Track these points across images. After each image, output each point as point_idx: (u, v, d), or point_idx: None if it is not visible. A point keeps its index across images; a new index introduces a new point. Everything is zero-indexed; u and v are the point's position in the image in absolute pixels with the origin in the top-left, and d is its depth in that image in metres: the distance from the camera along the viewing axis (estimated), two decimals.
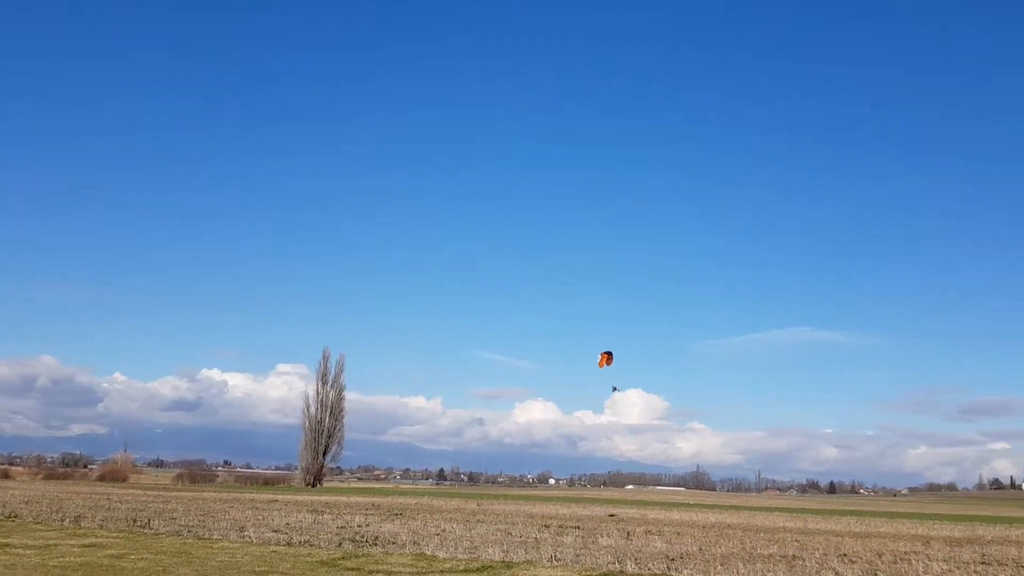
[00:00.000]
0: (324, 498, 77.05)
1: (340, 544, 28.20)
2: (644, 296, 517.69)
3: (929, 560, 29.20)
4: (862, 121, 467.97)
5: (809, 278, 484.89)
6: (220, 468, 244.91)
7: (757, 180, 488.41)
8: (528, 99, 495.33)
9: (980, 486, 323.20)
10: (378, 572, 21.72)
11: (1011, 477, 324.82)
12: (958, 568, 26.80)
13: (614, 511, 65.16)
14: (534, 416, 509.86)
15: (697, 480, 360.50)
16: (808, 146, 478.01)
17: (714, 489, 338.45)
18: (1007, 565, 28.48)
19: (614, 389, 48.66)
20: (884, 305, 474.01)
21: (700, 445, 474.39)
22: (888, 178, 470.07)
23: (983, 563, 28.98)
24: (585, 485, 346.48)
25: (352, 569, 22.15)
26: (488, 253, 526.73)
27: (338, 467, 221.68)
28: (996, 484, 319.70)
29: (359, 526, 37.52)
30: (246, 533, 30.87)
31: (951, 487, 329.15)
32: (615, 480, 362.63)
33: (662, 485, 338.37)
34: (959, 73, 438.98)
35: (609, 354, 46.77)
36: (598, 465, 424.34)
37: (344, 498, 79.06)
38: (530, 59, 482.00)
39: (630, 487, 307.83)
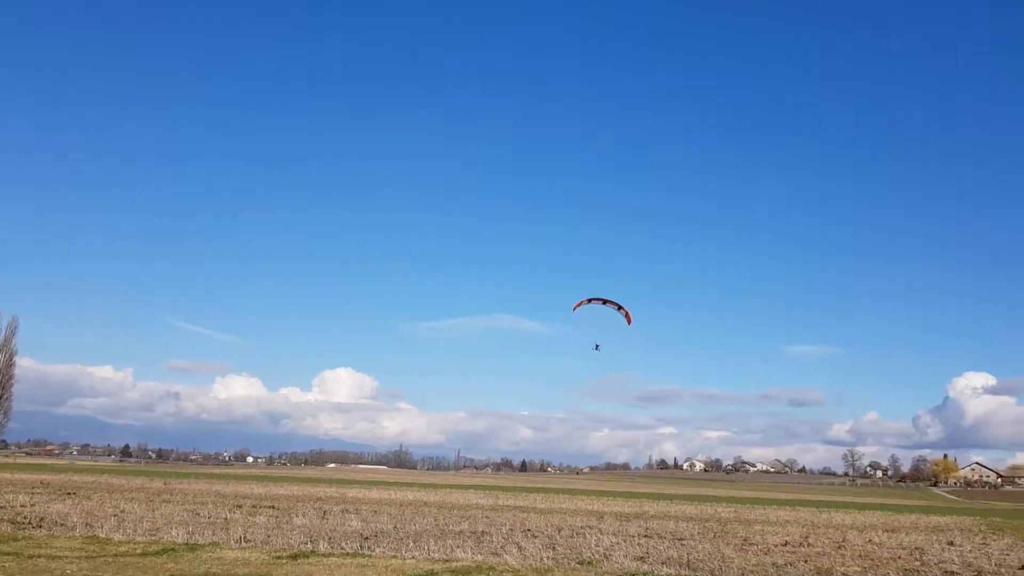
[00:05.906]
0: None
1: None
2: (357, 275, 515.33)
3: (601, 533, 31.97)
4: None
5: (516, 269, 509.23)
6: None
7: (487, 174, 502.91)
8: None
9: (649, 465, 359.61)
10: (40, 557, 19.66)
11: (675, 458, 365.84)
12: (625, 540, 29.59)
13: (312, 489, 64.49)
14: (236, 392, 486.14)
15: (399, 459, 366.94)
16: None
17: (415, 468, 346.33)
18: (665, 537, 31.95)
19: (596, 347, 49.38)
20: (575, 298, 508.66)
21: (405, 424, 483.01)
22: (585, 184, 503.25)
23: (645, 536, 32.27)
24: (285, 464, 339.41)
25: (9, 554, 19.87)
26: (191, 213, 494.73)
27: (3, 440, 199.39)
28: (662, 464, 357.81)
29: (22, 506, 34.22)
30: None
31: (625, 466, 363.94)
32: (317, 459, 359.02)
33: (364, 464, 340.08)
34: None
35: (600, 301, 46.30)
36: (301, 443, 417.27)
37: (7, 475, 72.36)
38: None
39: (332, 465, 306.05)
